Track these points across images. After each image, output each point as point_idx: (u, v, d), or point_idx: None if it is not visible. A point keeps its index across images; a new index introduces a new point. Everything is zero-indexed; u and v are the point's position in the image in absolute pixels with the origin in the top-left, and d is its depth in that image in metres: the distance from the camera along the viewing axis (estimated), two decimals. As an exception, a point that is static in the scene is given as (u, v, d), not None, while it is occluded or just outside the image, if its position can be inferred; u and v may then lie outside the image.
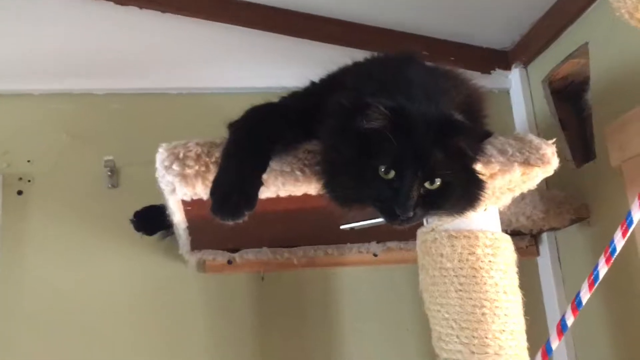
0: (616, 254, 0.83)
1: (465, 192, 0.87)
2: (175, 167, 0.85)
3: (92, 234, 1.50)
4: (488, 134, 0.87)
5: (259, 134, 0.86)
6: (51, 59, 1.57)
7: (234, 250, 1.47)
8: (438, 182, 0.81)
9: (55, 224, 1.49)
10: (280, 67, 1.60)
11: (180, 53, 1.63)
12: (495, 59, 1.73)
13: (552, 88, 1.62)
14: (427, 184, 0.81)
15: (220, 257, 1.45)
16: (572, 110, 1.62)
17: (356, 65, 0.97)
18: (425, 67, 0.93)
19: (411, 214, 0.80)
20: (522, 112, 1.68)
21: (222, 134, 0.89)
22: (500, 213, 1.15)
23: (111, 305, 1.46)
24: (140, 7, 1.53)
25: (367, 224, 1.26)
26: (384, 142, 0.79)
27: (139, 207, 1.42)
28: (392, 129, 0.78)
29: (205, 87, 1.64)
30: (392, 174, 0.80)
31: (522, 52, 1.68)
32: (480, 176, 0.87)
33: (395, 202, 0.80)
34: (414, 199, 0.80)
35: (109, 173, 1.51)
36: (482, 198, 0.88)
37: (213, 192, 0.82)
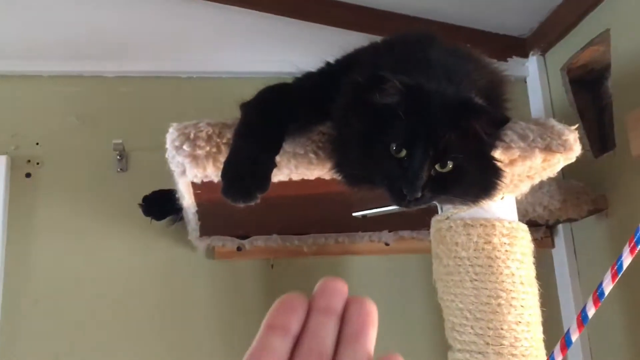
0: (642, 243, 0.80)
1: (479, 179, 0.83)
2: (185, 147, 0.83)
3: (101, 218, 1.48)
4: (506, 120, 0.84)
5: (272, 114, 0.84)
6: (60, 40, 1.55)
7: (244, 236, 1.45)
8: (450, 164, 0.78)
9: (63, 208, 1.48)
10: (292, 52, 1.56)
11: (191, 36, 1.61)
12: (513, 47, 1.70)
13: (570, 76, 1.58)
14: (438, 166, 0.78)
15: (229, 243, 1.43)
16: (590, 99, 1.58)
17: (373, 44, 0.94)
18: (447, 48, 0.89)
19: (419, 194, 0.77)
20: (539, 101, 1.64)
21: (233, 118, 0.87)
22: (517, 202, 1.12)
23: (119, 290, 1.45)
24: (152, -11, 1.50)
25: (380, 212, 1.24)
26: (397, 119, 0.76)
27: (148, 192, 1.40)
28: (407, 106, 0.75)
29: (215, 70, 1.61)
30: (403, 152, 0.77)
31: (541, 39, 1.64)
32: (498, 164, 0.84)
33: (404, 181, 0.77)
34: (422, 179, 0.76)
35: (118, 157, 1.49)
36: (498, 187, 0.84)
37: (224, 174, 0.80)
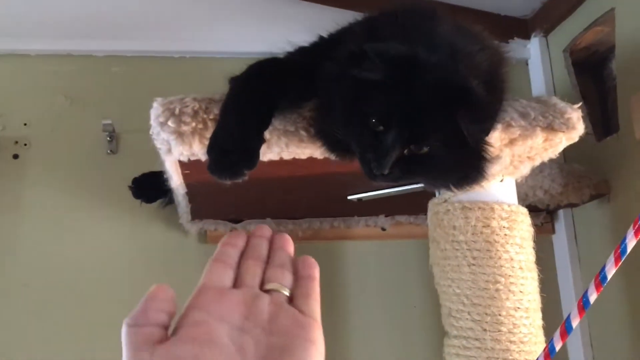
0: (647, 226, 0.76)
1: (454, 168, 0.80)
2: (170, 123, 0.79)
3: (90, 201, 1.44)
4: (489, 129, 0.79)
5: (262, 88, 0.80)
6: (49, 18, 1.50)
7: (237, 221, 1.42)
8: (425, 148, 0.75)
9: (52, 190, 1.44)
10: (287, 31, 1.50)
11: (184, 15, 1.56)
12: (514, 28, 1.65)
13: (572, 59, 1.54)
14: (413, 147, 0.75)
15: (222, 227, 1.40)
16: (592, 82, 1.54)
17: (370, 17, 0.89)
18: (451, 24, 0.84)
19: (386, 171, 0.74)
20: (540, 83, 1.60)
21: (221, 93, 0.83)
22: (517, 186, 1.09)
23: (108, 274, 1.41)
24: (144, -33, 1.46)
25: (376, 195, 1.21)
26: (382, 93, 0.73)
27: (138, 174, 1.37)
28: (394, 80, 0.72)
29: (209, 50, 1.57)
30: (380, 127, 0.74)
31: (543, 20, 1.59)
32: (486, 154, 0.79)
33: (374, 155, 0.74)
34: (392, 157, 0.74)
35: (108, 138, 1.45)
36: (476, 181, 0.82)
37: (210, 149, 0.77)
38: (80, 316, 1.38)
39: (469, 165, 0.80)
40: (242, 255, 0.52)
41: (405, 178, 0.79)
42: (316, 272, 0.51)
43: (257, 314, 0.46)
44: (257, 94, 0.79)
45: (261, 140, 0.78)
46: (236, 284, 0.49)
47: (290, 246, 0.54)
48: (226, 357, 0.42)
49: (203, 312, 0.45)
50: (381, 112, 0.74)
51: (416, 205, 1.32)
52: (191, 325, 0.44)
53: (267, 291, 0.49)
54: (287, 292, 0.49)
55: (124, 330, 0.46)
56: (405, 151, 0.75)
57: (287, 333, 0.45)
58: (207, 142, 0.80)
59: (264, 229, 0.54)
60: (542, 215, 1.49)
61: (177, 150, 0.81)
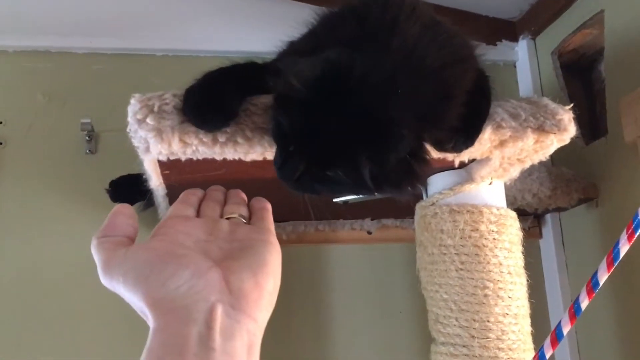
0: (640, 230, 0.74)
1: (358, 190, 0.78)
2: (149, 121, 0.76)
3: (69, 202, 1.40)
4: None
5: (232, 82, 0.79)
6: (28, 14, 1.46)
7: (219, 223, 1.38)
8: (329, 173, 0.71)
9: (28, 190, 1.39)
10: (270, 30, 1.48)
11: (167, 13, 1.52)
12: (502, 30, 1.63)
13: (561, 61, 1.52)
14: (315, 169, 0.71)
15: (204, 230, 1.36)
16: (581, 84, 1.53)
17: (334, 13, 0.84)
18: (423, 24, 0.75)
19: (290, 183, 0.74)
20: (528, 86, 1.58)
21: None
22: (506, 189, 1.07)
23: (87, 278, 1.37)
24: (126, -38, 1.42)
25: (362, 198, 1.18)
26: (299, 112, 0.69)
27: (118, 175, 1.33)
28: (311, 101, 0.67)
29: (192, 49, 1.53)
30: (291, 146, 0.72)
31: (531, 22, 1.58)
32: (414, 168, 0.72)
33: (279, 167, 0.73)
34: (293, 174, 0.72)
35: (87, 138, 1.41)
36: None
37: (187, 93, 0.77)
38: (57, 319, 1.34)
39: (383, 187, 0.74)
40: (202, 201, 0.58)
41: (316, 189, 0.76)
42: (268, 205, 0.57)
43: (219, 231, 0.52)
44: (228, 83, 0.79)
45: (241, 96, 0.77)
46: (198, 216, 0.55)
47: (243, 195, 0.60)
48: (194, 251, 0.47)
49: (170, 229, 0.50)
50: (292, 130, 0.70)
51: (403, 208, 1.30)
52: (160, 235, 0.49)
53: (227, 219, 0.55)
54: (244, 220, 0.55)
55: (94, 244, 0.50)
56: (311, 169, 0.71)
57: (246, 239, 0.51)
58: (187, 140, 0.77)
59: (218, 186, 0.61)
60: (530, 220, 1.47)
61: (156, 149, 0.78)
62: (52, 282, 1.36)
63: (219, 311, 0.42)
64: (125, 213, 0.52)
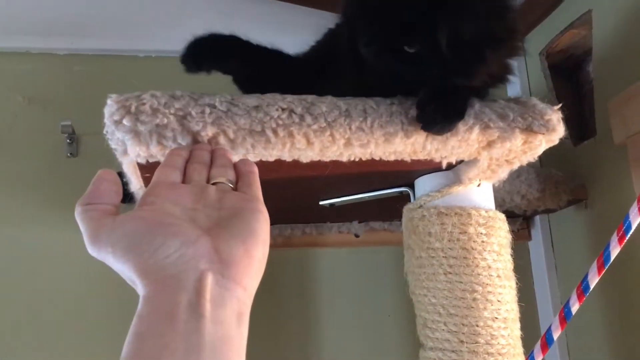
0: (631, 232, 0.73)
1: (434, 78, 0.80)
2: (126, 122, 0.73)
3: (49, 205, 1.37)
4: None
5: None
6: (7, 14, 1.43)
7: (204, 227, 1.36)
8: (411, 49, 0.77)
9: (7, 195, 1.36)
10: (257, 32, 1.47)
11: (150, 13, 1.50)
12: (490, 30, 1.62)
13: (549, 62, 1.51)
14: (401, 43, 0.77)
15: (187, 233, 1.33)
16: (569, 86, 1.52)
17: None
18: None
19: (374, 60, 0.78)
20: (516, 86, 1.57)
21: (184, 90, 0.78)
22: (494, 191, 1.05)
23: (70, 283, 1.34)
24: (108, -39, 1.39)
25: (349, 200, 1.16)
26: None
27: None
28: None
29: (175, 49, 1.49)
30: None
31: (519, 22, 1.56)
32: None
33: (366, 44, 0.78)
34: (379, 49, 0.78)
35: (68, 140, 1.38)
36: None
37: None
38: (37, 328, 1.31)
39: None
40: (187, 162, 0.57)
41: (391, 67, 0.80)
42: (255, 169, 0.57)
43: (206, 198, 0.51)
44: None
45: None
46: (184, 181, 0.55)
47: (230, 154, 0.60)
48: (182, 220, 0.47)
49: (157, 197, 0.50)
50: (374, 10, 0.77)
51: (390, 211, 1.28)
52: (148, 204, 0.49)
53: (214, 184, 0.54)
54: (231, 185, 0.55)
55: (79, 211, 0.49)
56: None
57: (234, 207, 0.51)
58: (165, 142, 0.74)
59: (205, 144, 0.61)
60: (519, 222, 1.46)
61: (134, 151, 0.75)
62: (34, 286, 1.33)
63: (209, 279, 0.43)
64: (108, 179, 0.52)
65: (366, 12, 0.78)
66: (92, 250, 0.46)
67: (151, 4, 1.50)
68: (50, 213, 1.37)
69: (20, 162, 1.39)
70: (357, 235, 1.44)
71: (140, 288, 0.43)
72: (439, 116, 0.78)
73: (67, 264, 1.35)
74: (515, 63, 0.91)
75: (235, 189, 0.55)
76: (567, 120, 1.39)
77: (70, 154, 1.39)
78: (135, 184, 0.95)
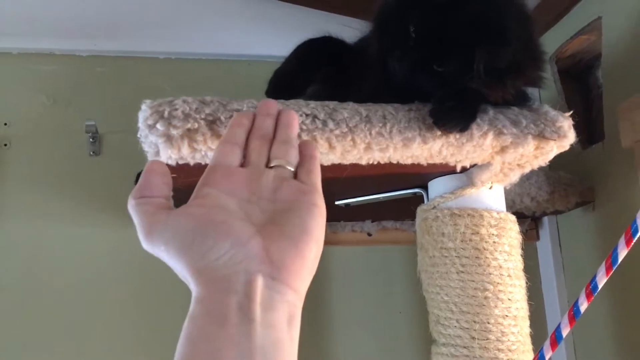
0: (638, 235, 0.76)
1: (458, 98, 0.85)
2: (159, 126, 0.77)
3: (72, 203, 1.42)
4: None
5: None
6: (31, 16, 1.47)
7: (222, 224, 1.40)
8: (440, 68, 0.82)
9: (32, 192, 1.41)
10: (274, 34, 1.51)
11: (170, 16, 1.53)
12: (501, 35, 1.65)
13: (558, 66, 1.54)
14: (435, 63, 0.82)
15: (206, 231, 1.37)
16: (578, 90, 1.55)
17: None
18: None
19: (407, 74, 0.84)
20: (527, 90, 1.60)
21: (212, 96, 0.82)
22: (505, 193, 1.09)
23: (91, 280, 1.39)
24: (130, -35, 1.43)
25: (364, 200, 1.20)
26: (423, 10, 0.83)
27: (121, 177, 1.34)
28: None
29: (195, 52, 1.55)
30: (413, 35, 0.83)
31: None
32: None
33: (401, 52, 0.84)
34: (414, 64, 0.83)
35: (91, 139, 1.43)
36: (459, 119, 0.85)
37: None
38: (60, 322, 1.35)
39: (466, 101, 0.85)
40: (249, 133, 0.54)
41: (423, 83, 0.86)
42: (317, 154, 0.54)
43: (263, 188, 0.50)
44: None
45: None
46: (243, 163, 0.52)
47: (295, 122, 0.56)
48: (235, 218, 0.46)
49: (213, 188, 0.48)
50: (418, 24, 0.82)
51: (403, 211, 1.32)
52: (202, 197, 0.48)
53: (273, 167, 0.52)
54: (291, 168, 0.52)
55: (132, 204, 0.48)
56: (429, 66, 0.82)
57: (290, 200, 0.49)
58: (196, 146, 0.79)
59: (270, 105, 0.56)
60: (528, 222, 1.49)
61: (165, 154, 0.79)
62: (57, 283, 1.37)
63: (259, 282, 0.42)
64: (159, 171, 0.51)
65: (402, 27, 0.82)
66: (146, 246, 0.47)
67: (171, 7, 1.53)
68: (74, 210, 1.41)
69: (45, 161, 1.43)
70: (369, 234, 1.48)
71: (192, 287, 0.44)
72: (454, 114, 0.83)
73: (91, 261, 1.39)
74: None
75: (294, 172, 0.52)
76: (576, 124, 1.44)
77: (93, 152, 1.44)
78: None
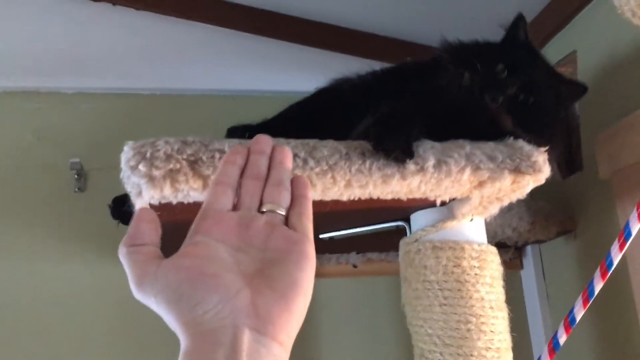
0: (613, 268, 0.78)
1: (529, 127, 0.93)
2: (141, 167, 0.78)
3: (58, 240, 1.42)
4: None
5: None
6: (16, 55, 1.48)
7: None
8: (531, 99, 0.91)
9: (17, 229, 1.41)
10: (258, 69, 1.54)
11: (155, 52, 1.56)
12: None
13: (537, 97, 1.58)
14: (522, 95, 0.91)
15: (192, 266, 1.38)
16: (557, 120, 1.58)
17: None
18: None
19: (499, 96, 0.89)
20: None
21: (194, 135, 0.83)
22: (486, 224, 1.11)
23: (75, 318, 1.38)
24: (114, 4, 1.45)
25: (348, 234, 1.21)
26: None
27: (107, 213, 1.34)
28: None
29: (179, 88, 1.57)
30: (505, 72, 0.92)
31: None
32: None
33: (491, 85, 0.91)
34: (504, 93, 0.90)
35: (76, 176, 1.43)
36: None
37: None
38: (40, 356, 1.34)
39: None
40: (243, 172, 0.55)
41: (509, 112, 0.92)
42: (309, 193, 0.55)
43: (254, 236, 0.50)
44: None
45: None
46: (235, 205, 0.53)
47: (289, 160, 0.56)
48: (225, 268, 0.47)
49: (204, 236, 0.49)
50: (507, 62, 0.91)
51: (387, 242, 1.33)
52: (193, 245, 0.48)
53: (264, 212, 0.53)
54: (282, 212, 0.53)
55: (123, 253, 0.49)
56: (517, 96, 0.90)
57: (280, 249, 0.50)
58: (178, 186, 0.80)
59: (263, 142, 0.57)
60: (511, 251, 1.51)
61: (148, 194, 0.80)
62: (41, 320, 1.36)
63: (246, 336, 0.43)
64: (148, 219, 0.52)
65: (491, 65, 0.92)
66: (137, 295, 0.48)
67: (156, 44, 1.56)
68: (59, 246, 1.41)
69: (30, 197, 1.44)
70: (355, 266, 1.48)
71: (181, 339, 0.45)
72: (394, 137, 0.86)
73: (76, 299, 1.39)
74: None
75: (286, 215, 0.53)
76: (556, 155, 1.46)
77: (78, 189, 1.44)
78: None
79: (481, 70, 0.91)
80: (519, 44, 0.98)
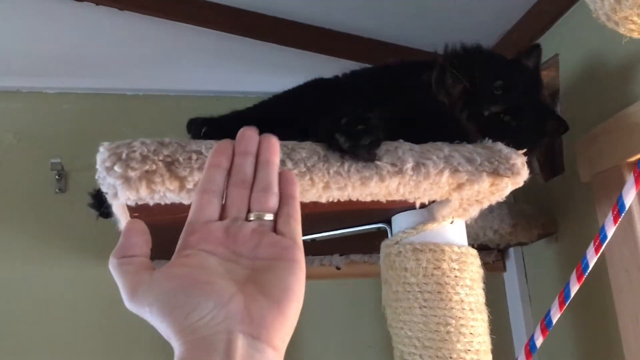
0: (588, 271, 0.78)
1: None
2: (117, 168, 0.77)
3: (38, 240, 1.40)
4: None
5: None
6: (-2, 54, 1.48)
7: (189, 261, 1.39)
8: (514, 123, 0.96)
9: (-3, 229, 1.39)
10: (241, 70, 1.53)
11: (138, 52, 1.55)
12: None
13: (520, 101, 1.58)
14: (506, 116, 0.96)
15: (173, 268, 1.37)
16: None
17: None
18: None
19: (493, 108, 0.94)
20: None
21: (180, 137, 0.83)
22: (467, 227, 1.11)
23: (56, 320, 1.37)
24: (97, 3, 1.44)
25: (329, 235, 1.21)
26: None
27: (87, 214, 1.33)
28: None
29: (162, 88, 1.56)
30: (500, 90, 0.96)
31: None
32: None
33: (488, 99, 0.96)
34: (496, 106, 0.94)
35: (57, 176, 1.42)
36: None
37: None
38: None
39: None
40: (229, 175, 0.54)
41: (492, 130, 0.95)
42: (296, 192, 0.54)
43: (242, 246, 0.50)
44: None
45: None
46: (222, 214, 0.53)
47: (276, 156, 0.54)
48: (217, 275, 0.47)
49: (193, 249, 0.49)
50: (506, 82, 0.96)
51: (370, 244, 1.33)
52: (184, 256, 0.49)
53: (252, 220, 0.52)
54: (270, 218, 0.52)
55: (114, 264, 0.49)
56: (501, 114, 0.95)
57: (270, 257, 0.50)
58: (154, 187, 0.79)
59: (248, 140, 0.54)
60: (494, 254, 1.51)
61: (124, 195, 0.80)
62: (21, 322, 1.35)
63: (239, 342, 0.43)
64: (137, 230, 0.52)
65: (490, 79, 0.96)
66: (129, 306, 0.47)
67: (138, 44, 1.55)
68: (39, 247, 1.40)
69: (10, 198, 1.42)
70: (338, 268, 1.48)
71: (175, 346, 0.45)
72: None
73: (56, 299, 1.38)
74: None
75: (275, 220, 0.53)
76: (538, 157, 1.47)
77: (59, 189, 1.43)
78: (124, 223, 0.99)
79: (479, 79, 0.95)
80: (525, 70, 1.03)
